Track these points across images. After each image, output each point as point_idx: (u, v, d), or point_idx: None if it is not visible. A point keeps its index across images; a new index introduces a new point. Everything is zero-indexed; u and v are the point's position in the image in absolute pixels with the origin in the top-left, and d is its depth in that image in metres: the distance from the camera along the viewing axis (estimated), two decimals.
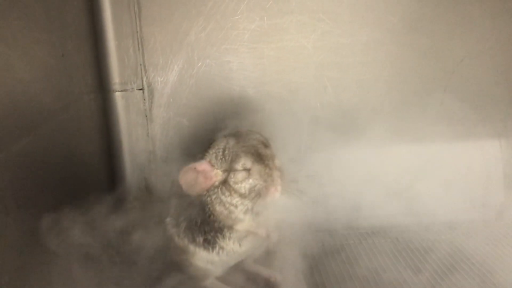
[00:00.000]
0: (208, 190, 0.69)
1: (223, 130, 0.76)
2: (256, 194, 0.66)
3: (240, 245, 0.73)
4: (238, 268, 0.80)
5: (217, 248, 0.72)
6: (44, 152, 0.63)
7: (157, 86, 0.92)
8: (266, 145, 0.70)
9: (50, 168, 0.65)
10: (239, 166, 0.66)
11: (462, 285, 0.76)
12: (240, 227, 0.70)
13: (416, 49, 0.93)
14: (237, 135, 0.71)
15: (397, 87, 0.94)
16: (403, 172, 0.97)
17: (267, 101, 0.93)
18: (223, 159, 0.68)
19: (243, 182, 0.66)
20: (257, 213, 0.69)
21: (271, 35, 0.91)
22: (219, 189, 0.68)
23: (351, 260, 0.85)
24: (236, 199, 0.67)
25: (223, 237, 0.71)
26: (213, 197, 0.69)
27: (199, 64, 0.91)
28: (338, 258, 0.86)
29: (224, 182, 0.68)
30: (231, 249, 0.73)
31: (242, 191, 0.67)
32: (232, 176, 0.67)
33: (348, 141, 0.95)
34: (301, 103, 0.94)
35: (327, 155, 0.94)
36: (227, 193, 0.68)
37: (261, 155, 0.67)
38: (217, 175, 0.68)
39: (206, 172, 0.68)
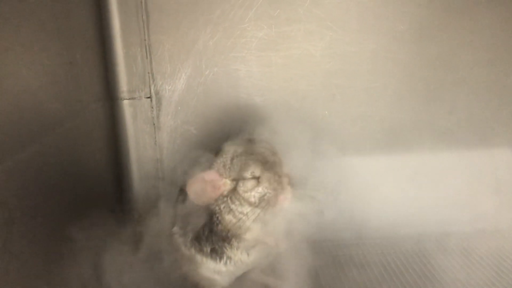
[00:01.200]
0: (216, 200, 0.68)
1: (231, 139, 0.75)
2: (266, 203, 0.66)
3: (248, 254, 0.72)
4: (245, 278, 0.79)
5: (224, 258, 0.72)
6: (50, 160, 0.63)
7: (165, 94, 0.92)
8: (274, 152, 0.69)
9: (57, 176, 0.65)
10: (248, 174, 0.66)
11: None
12: (249, 236, 0.69)
13: (425, 57, 0.92)
14: (244, 144, 0.70)
15: (406, 95, 0.94)
16: (412, 181, 0.97)
17: (275, 109, 0.93)
18: (232, 167, 0.67)
19: (252, 190, 0.66)
20: (266, 222, 0.68)
21: (279, 43, 0.90)
22: (228, 198, 0.68)
23: (359, 271, 0.84)
24: (246, 208, 0.67)
25: (231, 247, 0.70)
26: (222, 206, 0.68)
27: (207, 72, 0.91)
28: (346, 268, 0.85)
29: (233, 191, 0.67)
30: (239, 259, 0.72)
31: (252, 199, 0.66)
32: (241, 184, 0.66)
33: (357, 149, 0.94)
34: (308, 111, 0.93)
35: (335, 163, 0.93)
36: (236, 202, 0.67)
37: (270, 163, 0.66)
38: (226, 184, 0.68)
39: (214, 182, 0.67)
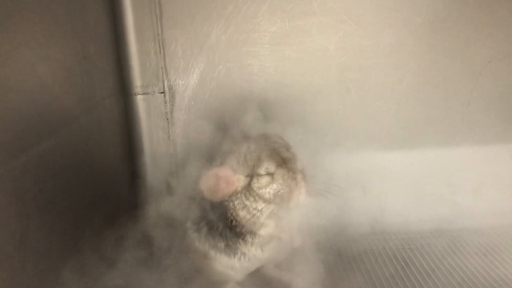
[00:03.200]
0: (230, 196, 0.68)
1: (244, 134, 0.75)
2: (281, 199, 0.65)
3: (262, 250, 0.72)
4: (259, 273, 0.79)
5: (238, 254, 0.71)
6: (65, 155, 0.64)
7: (178, 89, 0.92)
8: (287, 148, 0.69)
9: (72, 171, 0.65)
10: (262, 170, 0.65)
11: None
12: (264, 232, 0.69)
13: (442, 50, 0.90)
14: (258, 139, 0.70)
15: (422, 89, 0.92)
16: (428, 176, 0.95)
17: (289, 104, 0.92)
18: (245, 164, 0.67)
19: (267, 187, 0.65)
20: (281, 218, 0.68)
21: (293, 37, 0.90)
22: (242, 195, 0.67)
23: (372, 265, 0.84)
24: (260, 204, 0.66)
25: (245, 242, 0.70)
26: (236, 202, 0.68)
27: (220, 67, 0.91)
28: (361, 263, 0.84)
29: (247, 187, 0.67)
30: (253, 255, 0.72)
31: (267, 196, 0.66)
32: (255, 181, 0.66)
33: (372, 144, 0.93)
34: (323, 106, 0.92)
35: (350, 158, 0.92)
36: (251, 198, 0.67)
37: (283, 159, 0.66)
38: (240, 180, 0.67)
39: (228, 178, 0.67)
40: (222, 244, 0.71)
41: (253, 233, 0.70)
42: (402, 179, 0.95)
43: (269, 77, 0.92)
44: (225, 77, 0.91)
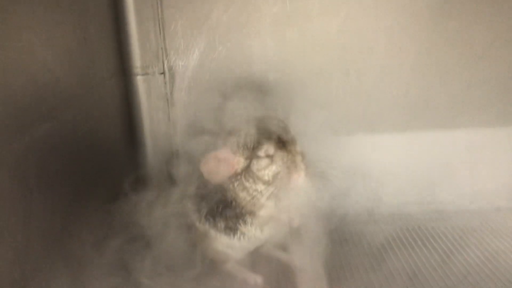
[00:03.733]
0: (230, 177, 0.69)
1: (244, 115, 0.75)
2: (280, 181, 0.66)
3: (261, 230, 0.73)
4: (258, 252, 0.80)
5: (238, 234, 0.73)
6: (67, 135, 0.64)
7: (178, 70, 0.91)
8: (287, 130, 0.69)
9: (73, 151, 0.66)
10: (261, 153, 0.66)
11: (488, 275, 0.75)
12: (263, 212, 0.70)
13: (443, 33, 0.90)
14: (257, 121, 0.70)
15: (422, 71, 0.92)
16: (428, 158, 0.96)
17: (289, 85, 0.92)
18: (245, 146, 0.67)
19: (266, 169, 0.66)
20: (280, 199, 0.69)
21: (294, 18, 0.89)
22: (242, 176, 0.68)
23: (370, 247, 0.85)
24: (260, 186, 0.67)
25: (245, 223, 0.71)
26: (236, 184, 0.69)
27: (220, 48, 0.90)
28: (359, 244, 0.85)
29: (247, 169, 0.67)
30: (253, 235, 0.73)
31: (266, 178, 0.66)
32: (255, 163, 0.66)
33: (372, 126, 0.93)
34: (323, 88, 0.93)
35: (349, 140, 0.93)
36: (250, 180, 0.67)
37: (283, 141, 0.66)
38: (239, 162, 0.68)
39: (228, 160, 0.67)
40: (222, 224, 0.72)
41: (252, 214, 0.71)
42: (400, 161, 0.96)
43: (269, 59, 0.91)
44: (225, 58, 0.91)
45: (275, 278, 0.75)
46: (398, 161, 0.96)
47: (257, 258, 0.80)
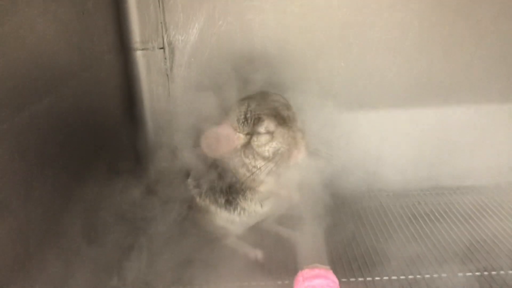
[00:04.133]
0: (230, 153, 0.69)
1: (244, 91, 0.75)
2: (280, 157, 0.66)
3: (261, 206, 0.74)
4: (258, 227, 0.81)
5: (238, 209, 0.73)
6: (66, 111, 0.64)
7: (178, 45, 0.90)
8: (288, 107, 0.69)
9: (73, 126, 0.66)
10: (262, 129, 0.66)
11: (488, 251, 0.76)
12: (263, 188, 0.71)
13: (446, 6, 0.89)
14: (258, 98, 0.70)
15: (425, 46, 0.91)
16: (429, 135, 0.96)
17: (290, 60, 0.91)
18: (245, 122, 0.67)
19: (266, 145, 0.66)
20: (280, 175, 0.69)
21: None
22: (242, 152, 0.68)
23: (370, 222, 0.86)
24: (259, 162, 0.67)
25: (245, 198, 0.72)
26: (236, 160, 0.69)
27: (220, 22, 0.89)
28: (358, 219, 0.86)
29: (247, 146, 0.67)
30: (253, 210, 0.74)
31: (266, 154, 0.67)
32: (255, 139, 0.66)
33: (373, 102, 0.93)
34: (325, 63, 0.92)
35: (351, 115, 0.93)
36: (250, 156, 0.68)
37: (283, 118, 0.66)
38: (240, 138, 0.68)
39: (228, 136, 0.68)
40: (222, 200, 0.73)
41: (252, 190, 0.71)
42: (402, 137, 0.96)
43: (270, 33, 0.90)
44: (225, 32, 0.90)
45: (275, 252, 0.76)
46: (399, 137, 0.95)
47: (257, 233, 0.81)
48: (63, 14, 0.65)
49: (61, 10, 0.64)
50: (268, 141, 0.66)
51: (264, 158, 0.67)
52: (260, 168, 0.67)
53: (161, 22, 0.89)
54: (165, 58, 0.92)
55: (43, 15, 0.58)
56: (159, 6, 0.88)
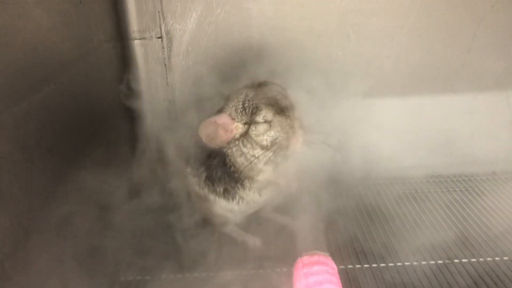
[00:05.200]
0: (228, 143, 0.69)
1: (243, 80, 0.75)
2: (278, 146, 0.66)
3: (260, 194, 0.74)
4: (257, 215, 0.82)
5: (237, 198, 0.74)
6: (65, 101, 0.64)
7: (175, 34, 0.90)
8: (285, 96, 0.69)
9: (72, 116, 0.66)
10: (260, 118, 0.66)
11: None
12: (261, 177, 0.71)
13: None
14: (256, 87, 0.70)
15: (423, 34, 0.91)
16: (425, 122, 0.96)
17: (288, 49, 0.91)
18: (243, 111, 0.67)
19: (264, 134, 0.66)
20: (278, 164, 0.70)
21: None
22: (240, 142, 0.69)
23: (367, 208, 0.86)
24: (257, 151, 0.68)
25: (243, 187, 0.72)
26: (234, 149, 0.69)
27: (218, 10, 0.89)
28: (356, 208, 0.87)
29: (245, 135, 0.68)
30: (251, 199, 0.74)
31: (264, 143, 0.67)
32: (253, 128, 0.67)
33: (371, 90, 0.93)
34: (323, 51, 0.92)
35: (349, 104, 0.93)
36: (248, 145, 0.68)
37: (281, 107, 0.66)
38: (238, 128, 0.68)
39: (226, 125, 0.68)
40: (221, 189, 0.73)
41: (250, 179, 0.71)
42: (399, 125, 0.96)
43: (268, 21, 0.90)
44: (223, 21, 0.89)
45: (274, 240, 0.77)
46: (397, 125, 0.96)
47: (255, 222, 0.81)
48: (60, 3, 0.64)
49: (59, 0, 0.64)
50: (266, 130, 0.66)
51: (262, 147, 0.67)
52: (258, 157, 0.68)
53: (158, 11, 0.89)
54: (163, 47, 0.92)
55: (40, 4, 0.58)
56: None
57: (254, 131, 0.67)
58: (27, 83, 0.54)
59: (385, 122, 0.95)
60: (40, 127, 0.56)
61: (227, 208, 0.76)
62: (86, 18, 0.73)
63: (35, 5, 0.57)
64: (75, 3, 0.69)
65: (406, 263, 0.71)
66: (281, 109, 0.66)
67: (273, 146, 0.67)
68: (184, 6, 0.88)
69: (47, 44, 0.60)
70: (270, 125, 0.66)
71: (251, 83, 0.72)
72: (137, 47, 0.91)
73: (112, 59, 0.85)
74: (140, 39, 0.91)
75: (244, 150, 0.68)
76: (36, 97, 0.56)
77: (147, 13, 0.89)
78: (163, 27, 0.90)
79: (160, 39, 0.91)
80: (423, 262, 0.71)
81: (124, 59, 0.91)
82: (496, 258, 0.71)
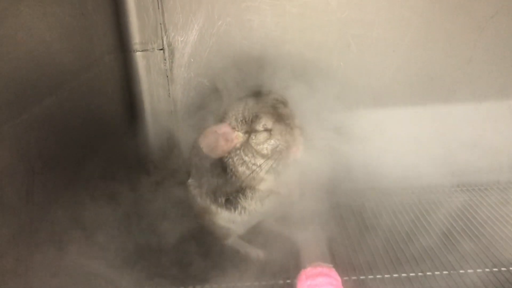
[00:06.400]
0: (229, 152, 0.69)
1: (244, 91, 0.75)
2: (279, 154, 0.66)
3: (262, 204, 0.74)
4: (260, 227, 0.81)
5: (239, 208, 0.73)
6: (67, 112, 0.64)
7: (177, 46, 0.91)
8: (285, 104, 0.69)
9: (73, 127, 0.66)
10: (260, 127, 0.66)
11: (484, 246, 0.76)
12: (263, 186, 0.71)
13: (444, 5, 0.89)
14: (256, 96, 0.70)
15: (423, 45, 0.91)
16: (427, 132, 0.96)
17: (289, 60, 0.91)
18: (243, 120, 0.67)
19: (265, 143, 0.66)
20: (279, 172, 0.69)
21: None
22: (241, 151, 0.68)
23: (370, 218, 0.86)
24: (259, 160, 0.68)
25: (245, 197, 0.72)
26: (235, 158, 0.69)
27: (219, 22, 0.89)
28: (359, 218, 0.86)
29: (246, 144, 0.68)
30: (253, 209, 0.74)
31: (265, 151, 0.67)
32: (253, 137, 0.67)
33: (373, 100, 0.93)
34: (323, 62, 0.92)
35: (351, 114, 0.93)
36: (249, 154, 0.68)
37: (281, 115, 0.66)
38: (238, 137, 0.68)
39: (226, 135, 0.68)
40: (222, 199, 0.73)
41: (252, 188, 0.71)
42: (401, 135, 0.96)
43: (269, 33, 0.91)
44: (225, 33, 0.90)
45: (277, 251, 0.76)
46: (399, 135, 0.95)
47: (258, 233, 0.81)
48: (63, 15, 0.65)
49: (61, 12, 0.64)
50: (266, 138, 0.66)
51: (263, 156, 0.67)
52: (259, 166, 0.68)
53: (160, 23, 0.90)
54: (165, 59, 0.92)
55: (43, 16, 0.59)
56: (159, 8, 0.88)
57: (254, 139, 0.67)
58: (29, 94, 0.54)
59: (387, 131, 0.95)
60: (42, 139, 0.56)
61: (230, 219, 0.75)
62: (88, 30, 0.74)
63: (38, 18, 0.57)
64: (78, 16, 0.70)
65: (411, 274, 0.70)
66: (281, 118, 0.66)
67: (274, 155, 0.66)
68: (186, 18, 0.89)
69: (49, 56, 0.60)
70: (270, 134, 0.66)
71: (251, 92, 0.72)
72: (139, 59, 0.92)
73: (114, 71, 0.85)
74: (142, 51, 0.91)
75: (246, 159, 0.68)
76: (37, 109, 0.56)
77: (149, 25, 0.89)
78: (165, 39, 0.90)
79: (162, 51, 0.91)
80: (428, 273, 0.70)
81: (126, 71, 0.91)
82: (502, 269, 0.71)
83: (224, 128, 0.68)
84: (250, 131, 0.67)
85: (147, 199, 0.79)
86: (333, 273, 0.62)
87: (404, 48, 0.91)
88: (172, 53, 0.91)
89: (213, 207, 0.75)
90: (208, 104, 0.82)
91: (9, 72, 0.50)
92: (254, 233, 0.80)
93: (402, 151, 0.96)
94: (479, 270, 0.70)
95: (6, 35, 0.50)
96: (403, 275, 0.70)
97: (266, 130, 0.66)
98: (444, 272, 0.70)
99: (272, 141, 0.66)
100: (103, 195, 0.69)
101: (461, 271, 0.70)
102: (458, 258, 0.73)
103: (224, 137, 0.68)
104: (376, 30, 0.90)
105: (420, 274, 0.70)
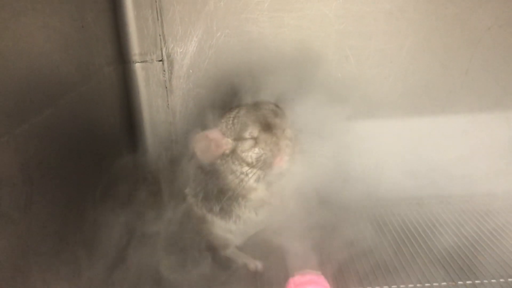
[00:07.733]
0: (220, 159, 0.70)
1: (242, 101, 0.76)
2: (263, 163, 0.67)
3: (256, 214, 0.74)
4: (258, 238, 0.81)
5: (233, 217, 0.73)
6: (66, 123, 0.64)
7: (176, 57, 0.91)
8: (276, 114, 0.69)
9: (72, 139, 0.66)
10: (246, 134, 0.67)
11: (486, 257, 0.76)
12: (254, 196, 0.71)
13: (441, 17, 0.89)
14: (249, 105, 0.71)
15: (421, 56, 0.92)
16: (425, 143, 0.96)
17: (287, 71, 0.92)
18: (233, 127, 0.68)
19: (249, 151, 0.67)
20: (270, 182, 0.70)
21: (292, 3, 0.89)
22: (229, 158, 0.69)
23: (369, 231, 0.85)
24: (245, 168, 0.68)
25: (239, 205, 0.72)
26: (225, 166, 0.70)
27: (218, 34, 0.90)
28: (357, 229, 0.86)
29: (234, 151, 0.68)
30: (248, 218, 0.74)
31: (249, 160, 0.67)
32: (240, 145, 0.67)
33: (370, 111, 0.93)
34: (322, 74, 0.92)
35: (348, 125, 0.93)
36: (236, 162, 0.68)
37: (269, 124, 0.67)
38: (228, 143, 0.69)
39: (217, 140, 0.69)
40: (217, 208, 0.73)
41: (244, 197, 0.71)
42: (399, 146, 0.96)
43: (268, 44, 0.91)
44: (224, 44, 0.91)
45: (265, 259, 0.76)
46: (396, 146, 0.96)
47: (256, 244, 0.81)
48: (63, 27, 0.66)
49: (61, 24, 0.65)
50: (251, 146, 0.67)
51: (248, 164, 0.67)
52: (246, 174, 0.68)
53: (159, 35, 0.90)
54: (164, 70, 0.93)
55: (43, 28, 0.59)
56: (158, 19, 0.89)
57: (240, 147, 0.67)
58: (28, 105, 0.55)
59: (384, 143, 0.95)
60: (41, 150, 0.57)
61: (226, 229, 0.75)
62: (88, 41, 0.75)
63: (38, 29, 0.58)
64: (77, 27, 0.71)
65: (401, 286, 0.70)
66: (269, 127, 0.67)
67: (258, 163, 0.67)
68: (185, 30, 0.90)
69: (48, 67, 0.61)
70: (256, 142, 0.67)
71: (247, 102, 0.73)
72: (138, 70, 0.93)
73: (113, 82, 0.86)
74: (141, 62, 0.92)
75: (233, 167, 0.69)
76: (37, 120, 0.56)
77: (148, 36, 0.90)
78: (164, 50, 0.91)
79: (161, 62, 0.92)
80: (425, 284, 0.70)
81: (125, 82, 0.92)
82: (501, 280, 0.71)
83: (214, 134, 0.69)
84: (237, 138, 0.68)
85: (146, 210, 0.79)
86: (322, 280, 0.62)
87: (401, 59, 0.92)
88: (171, 64, 0.92)
89: (209, 216, 0.75)
90: (206, 114, 0.82)
91: (8, 82, 0.51)
92: (251, 244, 0.80)
93: (399, 162, 0.96)
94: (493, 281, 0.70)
95: (7, 46, 0.51)
96: (393, 286, 0.70)
97: (252, 138, 0.67)
98: (443, 283, 0.70)
99: (257, 150, 0.67)
100: (102, 205, 0.69)
101: (459, 282, 0.70)
102: (457, 270, 0.73)
103: (214, 142, 0.69)
104: (373, 42, 0.91)
105: (410, 285, 0.70)
